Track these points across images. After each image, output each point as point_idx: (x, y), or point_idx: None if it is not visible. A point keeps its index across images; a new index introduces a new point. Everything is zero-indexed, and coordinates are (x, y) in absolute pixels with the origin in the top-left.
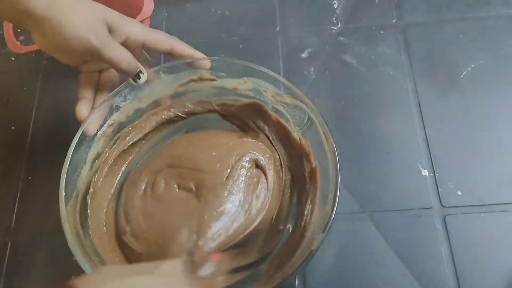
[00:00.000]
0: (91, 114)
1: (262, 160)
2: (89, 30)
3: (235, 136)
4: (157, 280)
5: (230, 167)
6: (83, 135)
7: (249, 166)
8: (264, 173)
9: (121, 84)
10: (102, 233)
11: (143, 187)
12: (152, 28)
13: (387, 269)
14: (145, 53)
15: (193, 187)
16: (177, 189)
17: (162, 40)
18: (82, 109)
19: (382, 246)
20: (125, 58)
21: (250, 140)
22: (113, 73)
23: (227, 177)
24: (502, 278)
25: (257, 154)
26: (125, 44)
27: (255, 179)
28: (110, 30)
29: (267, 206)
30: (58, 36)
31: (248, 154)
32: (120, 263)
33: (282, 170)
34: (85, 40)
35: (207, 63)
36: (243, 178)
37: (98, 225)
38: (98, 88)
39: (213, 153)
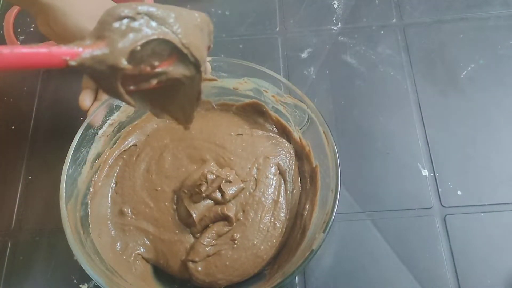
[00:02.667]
0: (94, 110)
1: (284, 164)
2: (91, 22)
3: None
4: None
5: (256, 169)
6: (85, 132)
7: (274, 172)
8: (284, 181)
9: None
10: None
11: (144, 165)
12: None
13: (387, 268)
14: None
15: (211, 159)
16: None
17: None
18: (85, 99)
19: (382, 246)
20: None
21: (266, 134)
22: None
23: (256, 183)
24: (502, 278)
25: (280, 157)
26: None
27: (276, 192)
28: None
29: (287, 217)
30: (60, 25)
31: (272, 158)
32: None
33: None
34: (86, 31)
35: (208, 67)
36: (269, 190)
37: (99, 224)
38: None
39: (232, 133)
